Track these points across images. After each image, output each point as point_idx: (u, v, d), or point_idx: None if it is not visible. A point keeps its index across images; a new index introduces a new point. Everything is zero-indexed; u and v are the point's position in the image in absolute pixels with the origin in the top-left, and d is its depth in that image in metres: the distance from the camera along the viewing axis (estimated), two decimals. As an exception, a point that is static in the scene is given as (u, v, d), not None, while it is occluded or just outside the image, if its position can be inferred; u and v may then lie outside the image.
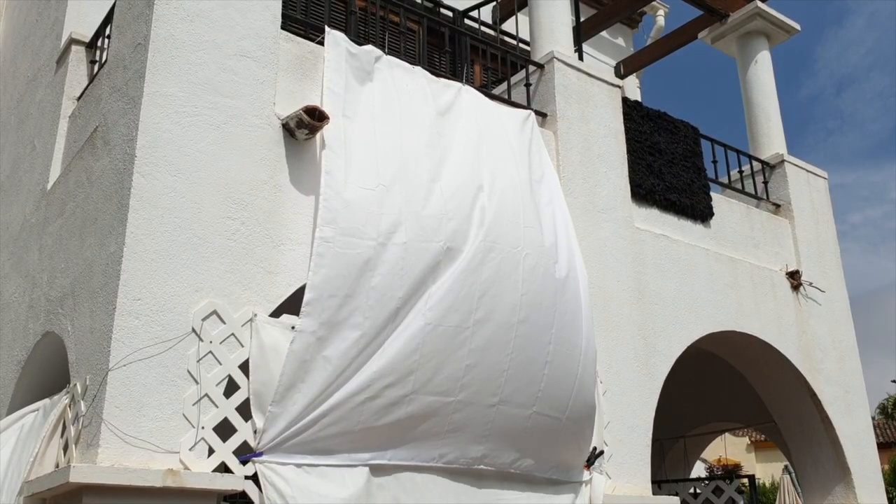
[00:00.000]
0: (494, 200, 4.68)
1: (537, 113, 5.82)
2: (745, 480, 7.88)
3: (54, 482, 3.52)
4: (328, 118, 4.32)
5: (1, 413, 4.92)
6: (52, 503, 3.78)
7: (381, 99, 4.66)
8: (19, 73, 6.93)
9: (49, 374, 4.70)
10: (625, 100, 6.61)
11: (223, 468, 3.74)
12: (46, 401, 4.22)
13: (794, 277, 7.17)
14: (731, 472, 15.89)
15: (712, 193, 6.98)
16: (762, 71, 8.10)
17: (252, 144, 4.26)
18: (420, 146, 4.64)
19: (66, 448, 3.84)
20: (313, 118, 4.28)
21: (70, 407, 3.88)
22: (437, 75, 5.20)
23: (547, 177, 5.28)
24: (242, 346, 3.93)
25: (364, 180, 4.29)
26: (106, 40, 5.00)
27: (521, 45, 6.80)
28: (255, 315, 3.98)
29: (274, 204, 4.24)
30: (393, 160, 4.46)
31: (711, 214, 6.86)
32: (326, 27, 4.74)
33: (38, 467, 3.86)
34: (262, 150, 4.28)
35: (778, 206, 7.66)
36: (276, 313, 4.08)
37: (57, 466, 3.83)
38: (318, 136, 4.39)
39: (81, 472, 3.37)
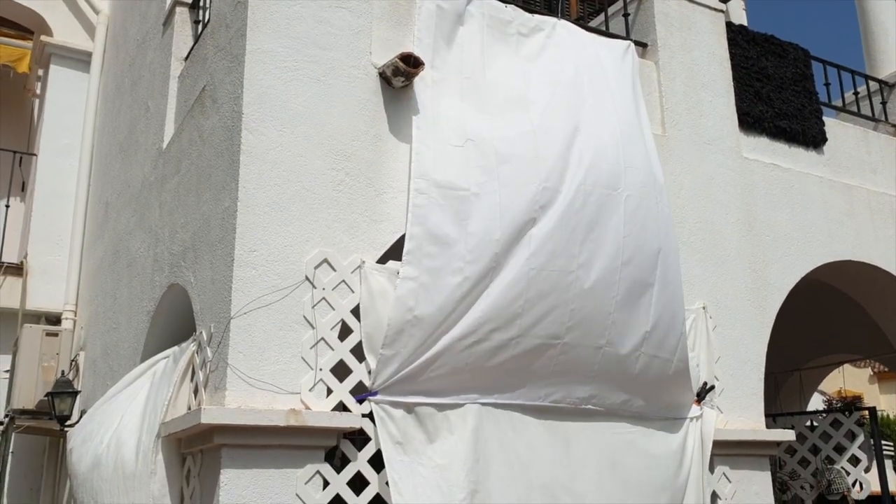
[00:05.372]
0: (592, 142, 4.61)
1: (637, 43, 5.67)
2: (866, 413, 7.63)
3: (188, 423, 3.77)
4: (423, 64, 4.34)
5: (135, 360, 5.27)
6: (186, 442, 4.07)
7: (471, 46, 4.63)
8: (130, 38, 7.23)
9: (176, 323, 4.99)
10: (729, 25, 6.34)
11: (341, 407, 3.92)
12: (175, 348, 4.50)
13: (916, 202, 6.80)
14: (850, 404, 15.41)
15: (825, 118, 6.66)
16: (880, -18, 7.60)
17: (351, 95, 4.33)
18: (511, 91, 4.61)
19: (196, 391, 4.10)
20: (409, 65, 4.30)
21: (197, 353, 4.13)
22: (532, 12, 5.12)
23: (645, 111, 5.16)
24: (353, 291, 4.07)
25: (452, 136, 4.33)
26: (208, 0, 5.14)
27: (617, -27, 6.59)
28: (363, 262, 4.11)
29: (375, 153, 4.33)
30: (481, 111, 4.46)
31: (824, 140, 6.55)
32: (418, -29, 4.72)
33: (172, 410, 4.14)
34: (361, 100, 4.36)
35: (898, 127, 7.24)
36: (382, 259, 4.20)
37: (189, 409, 4.10)
38: (413, 82, 4.42)
39: (211, 414, 3.61)
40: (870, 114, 7.24)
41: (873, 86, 7.36)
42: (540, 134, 4.50)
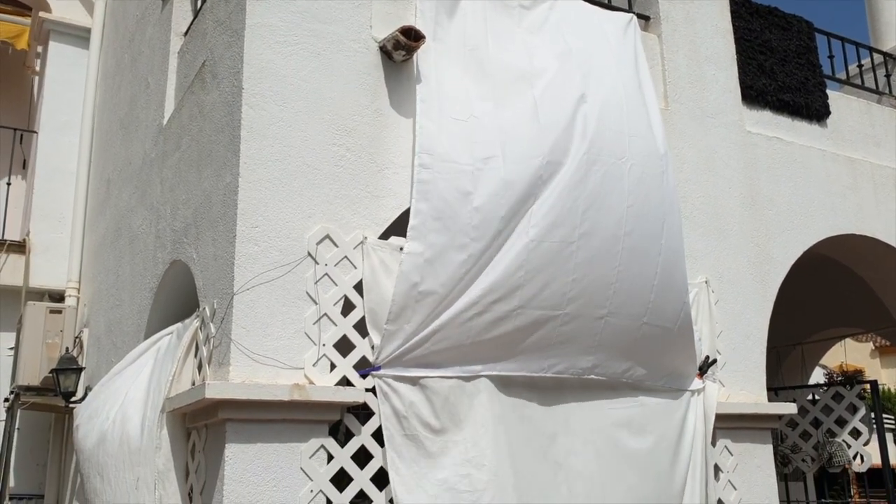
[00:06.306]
0: (596, 110, 4.58)
1: (640, 16, 5.62)
2: (867, 386, 7.65)
3: (192, 398, 3.79)
4: (424, 38, 4.31)
5: (139, 337, 5.29)
6: (190, 417, 4.09)
7: (473, 18, 4.59)
8: (129, 13, 7.18)
9: (179, 299, 5.00)
10: (732, -4, 6.30)
11: (345, 382, 3.94)
12: (179, 324, 4.51)
13: (920, 175, 6.78)
14: (851, 378, 15.46)
15: (829, 91, 6.63)
16: (885, -47, 7.53)
17: (352, 70, 4.31)
18: (514, 64, 4.57)
19: (199, 367, 4.12)
20: (409, 38, 4.27)
21: (201, 329, 4.15)
22: (534, -15, 5.07)
23: (650, 84, 5.13)
24: (355, 267, 4.07)
25: (456, 110, 4.31)
26: (206, -25, 5.09)
27: (620, -55, 6.53)
28: (366, 238, 4.11)
29: (376, 128, 4.31)
30: (484, 85, 4.43)
31: (828, 113, 6.52)
32: (419, -56, 4.67)
33: (177, 385, 4.16)
34: (362, 74, 4.33)
35: (902, 99, 7.20)
36: (384, 235, 4.20)
37: (193, 384, 4.12)
38: (414, 56, 4.39)
39: (216, 389, 3.63)
40: (874, 87, 7.20)
41: (877, 58, 7.32)
42: (543, 108, 4.47)
